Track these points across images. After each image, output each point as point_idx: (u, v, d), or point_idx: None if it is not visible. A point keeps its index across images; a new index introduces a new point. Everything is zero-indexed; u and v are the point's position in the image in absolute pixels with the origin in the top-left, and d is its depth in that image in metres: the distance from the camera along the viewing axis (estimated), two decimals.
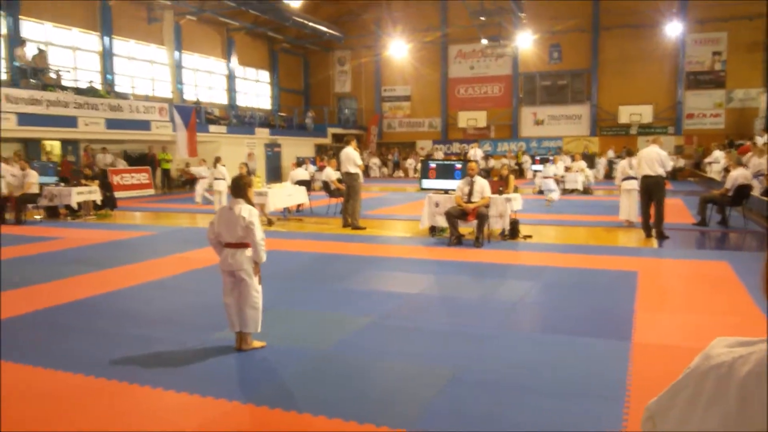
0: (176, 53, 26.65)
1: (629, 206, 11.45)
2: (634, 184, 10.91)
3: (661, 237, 9.91)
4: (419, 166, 11.59)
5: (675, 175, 26.01)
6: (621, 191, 11.62)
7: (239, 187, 4.70)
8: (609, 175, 28.00)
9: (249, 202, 4.69)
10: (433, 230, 10.70)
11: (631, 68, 30.35)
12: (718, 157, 20.38)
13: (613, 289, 6.57)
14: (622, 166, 11.62)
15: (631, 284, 6.73)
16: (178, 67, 26.80)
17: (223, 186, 14.67)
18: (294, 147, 29.54)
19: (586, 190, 19.65)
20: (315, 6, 30.70)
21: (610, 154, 29.31)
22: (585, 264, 8.02)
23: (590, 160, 22.53)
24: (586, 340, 4.81)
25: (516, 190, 11.05)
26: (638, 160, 10.41)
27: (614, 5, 30.18)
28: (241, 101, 31.92)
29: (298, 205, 14.71)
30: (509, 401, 3.66)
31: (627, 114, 30.55)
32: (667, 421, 1.01)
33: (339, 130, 33.80)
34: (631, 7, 29.43)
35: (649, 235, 10.16)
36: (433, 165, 11.00)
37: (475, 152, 26.85)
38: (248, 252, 4.61)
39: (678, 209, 14.01)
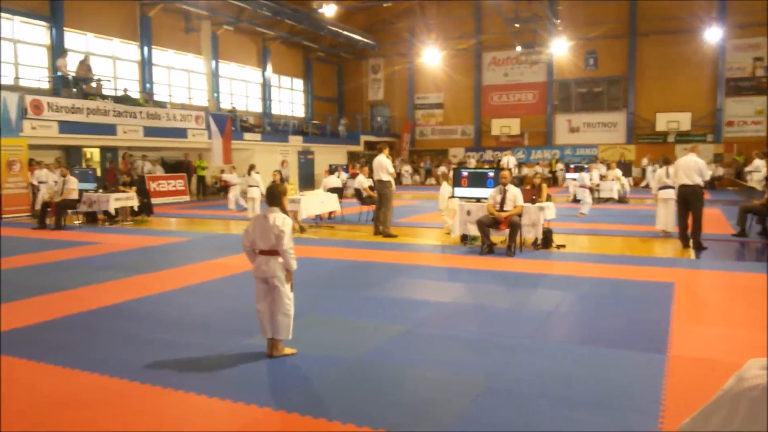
0: (213, 62, 27.13)
1: (666, 216, 11.22)
2: (671, 194, 10.70)
3: (699, 248, 9.69)
4: (451, 173, 11.51)
5: (714, 184, 25.44)
6: (658, 200, 11.41)
7: (274, 196, 4.75)
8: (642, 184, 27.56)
9: (284, 210, 4.72)
10: (465, 239, 10.64)
11: (669, 74, 29.83)
12: (759, 165, 19.87)
13: (648, 301, 6.44)
14: (659, 174, 11.41)
15: (668, 296, 6.59)
16: (214, 76, 27.27)
17: (256, 193, 14.86)
18: (327, 154, 29.75)
19: (622, 199, 19.34)
20: (349, 15, 30.99)
21: (644, 161, 28.80)
22: (620, 274, 7.88)
23: (626, 168, 22.14)
24: (621, 352, 4.72)
25: (549, 198, 10.93)
26: (675, 168, 10.22)
27: (651, 10, 29.74)
28: (276, 109, 32.31)
29: (330, 213, 14.79)
30: (542, 412, 3.61)
31: (664, 121, 30.00)
32: None
33: (372, 138, 33.94)
34: (668, 12, 28.97)
35: (686, 246, 9.94)
36: (465, 173, 10.96)
37: (509, 160, 26.56)
38: (281, 259, 4.65)
39: (717, 219, 13.69)
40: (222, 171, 20.51)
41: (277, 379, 4.29)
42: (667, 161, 11.36)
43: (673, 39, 29.59)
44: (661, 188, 11.20)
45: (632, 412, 3.61)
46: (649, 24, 30.03)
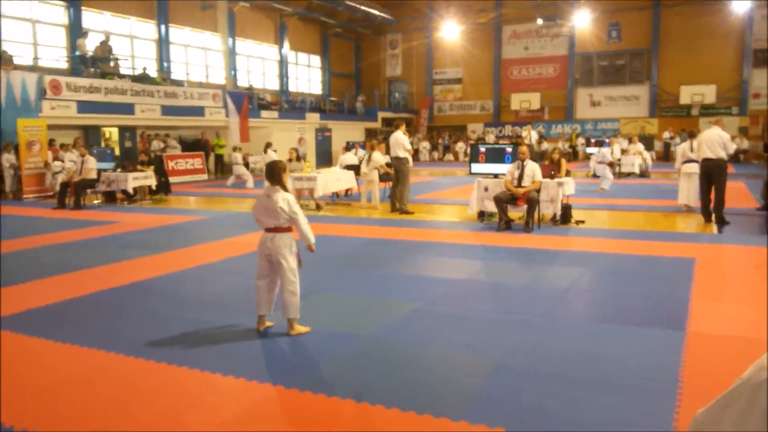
0: (230, 40, 27.03)
1: (689, 190, 11.01)
2: (695, 168, 10.48)
3: (722, 222, 9.51)
4: (469, 150, 11.44)
5: (739, 157, 24.90)
6: (680, 175, 11.19)
7: (274, 173, 4.67)
8: (665, 157, 27.14)
9: (284, 188, 4.67)
10: (482, 215, 10.55)
11: (693, 46, 29.11)
12: None
13: (668, 277, 6.33)
14: (682, 148, 11.18)
15: (688, 272, 6.47)
16: (231, 54, 27.19)
17: None
18: (344, 131, 29.63)
19: (643, 174, 19.04)
20: None
21: (666, 135, 28.29)
22: (640, 250, 7.75)
23: (648, 142, 21.75)
24: (639, 330, 4.64)
25: (568, 173, 10.77)
26: (699, 142, 10.00)
27: None
28: (293, 86, 32.19)
29: (347, 190, 14.75)
30: (557, 393, 3.56)
31: (689, 94, 29.36)
32: None
33: (389, 114, 33.70)
34: None
35: (708, 221, 9.77)
36: (482, 149, 10.82)
37: (530, 134, 25.82)
38: (287, 237, 4.62)
39: (740, 193, 13.42)
40: (235, 148, 20.55)
41: (290, 358, 4.29)
42: (692, 135, 11.11)
43: (698, 10, 28.81)
44: (684, 162, 10.98)
45: (650, 391, 3.55)
46: None
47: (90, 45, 19.96)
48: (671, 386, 3.59)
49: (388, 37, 36.77)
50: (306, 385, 3.71)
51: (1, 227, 10.46)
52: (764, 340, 4.33)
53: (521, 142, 21.05)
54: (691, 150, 10.78)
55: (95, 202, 14.77)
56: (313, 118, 28.41)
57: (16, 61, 17.54)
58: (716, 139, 9.57)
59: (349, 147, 16.49)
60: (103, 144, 20.18)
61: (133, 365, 4.13)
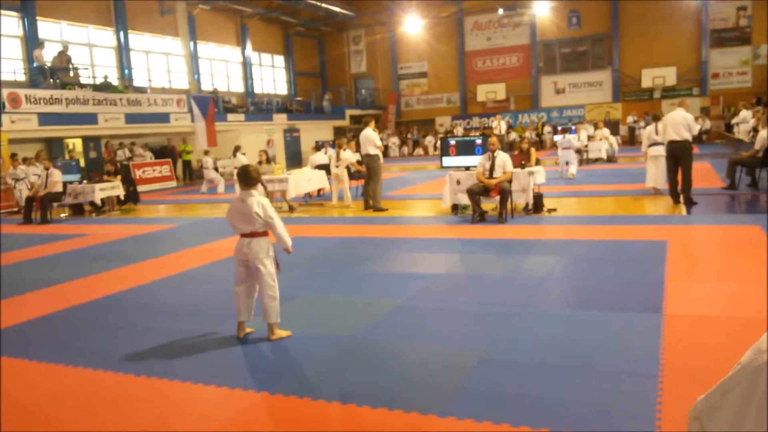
0: (191, 44, 26.69)
1: (656, 173, 11.20)
2: (661, 150, 10.66)
3: (690, 203, 9.69)
4: (439, 143, 11.47)
5: (702, 138, 25.41)
6: (647, 158, 11.37)
7: (249, 177, 4.62)
8: (630, 142, 27.54)
9: (264, 187, 4.64)
10: (456, 208, 10.59)
11: (652, 30, 29.60)
12: (746, 116, 19.85)
13: (642, 260, 6.43)
14: (647, 131, 11.36)
15: (661, 254, 6.58)
16: (193, 58, 26.85)
17: None
18: (313, 131, 29.48)
19: (611, 159, 19.32)
20: None
21: (630, 119, 28.72)
22: (612, 235, 7.87)
23: (613, 127, 22.05)
24: (616, 314, 4.71)
25: (538, 162, 10.87)
26: (663, 124, 10.17)
27: None
28: (258, 88, 31.92)
29: (319, 190, 14.69)
30: (541, 380, 3.59)
31: (650, 77, 29.88)
32: (717, 422, 0.92)
33: (357, 112, 33.64)
34: None
35: (677, 202, 9.94)
36: (452, 142, 10.87)
37: (500, 124, 25.73)
38: (263, 241, 4.58)
39: (706, 173, 13.69)
40: (206, 152, 20.33)
41: (272, 363, 4.26)
42: (657, 117, 11.29)
43: None
44: (650, 145, 11.15)
45: (631, 374, 3.60)
46: None
47: (48, 55, 19.51)
48: (652, 368, 3.64)
49: (350, 33, 36.67)
50: (290, 390, 3.68)
51: None
52: (743, 318, 4.43)
53: (490, 132, 21.17)
54: (657, 133, 10.96)
55: (62, 215, 14.47)
56: (281, 119, 28.21)
57: None
58: (680, 121, 9.73)
59: (318, 146, 16.41)
60: (67, 156, 19.75)
61: (112, 380, 4.05)
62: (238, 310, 4.73)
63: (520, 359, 3.94)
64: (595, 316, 4.71)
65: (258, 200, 4.53)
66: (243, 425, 3.33)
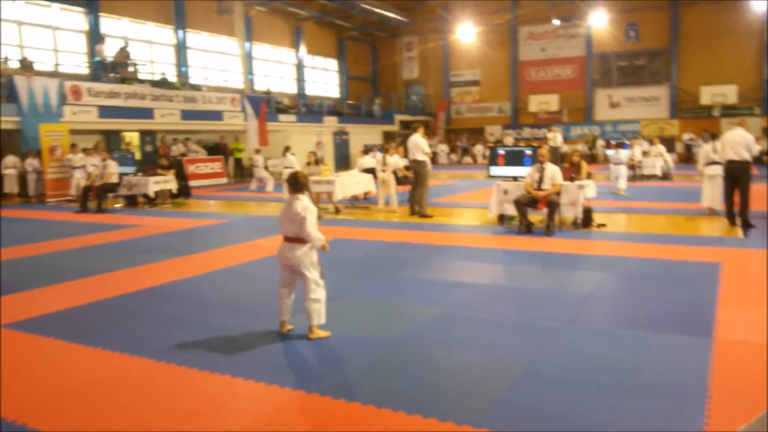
0: (247, 44, 27.17)
1: (712, 193, 10.83)
2: (718, 170, 10.32)
3: (747, 226, 9.33)
4: (488, 152, 11.37)
5: (761, 159, 24.48)
6: (703, 177, 11.02)
7: (297, 183, 4.71)
8: (686, 159, 26.80)
9: (309, 195, 4.71)
10: (502, 218, 10.47)
11: (713, 45, 28.70)
12: None
13: (693, 282, 6.22)
14: (705, 150, 11.01)
15: (714, 276, 6.35)
16: (248, 58, 27.33)
17: None
18: (362, 135, 29.64)
19: (665, 176, 18.80)
20: None
21: (686, 136, 27.91)
22: (664, 254, 7.63)
23: (670, 143, 21.46)
24: (665, 336, 4.56)
25: (589, 176, 10.66)
26: (722, 143, 9.84)
27: None
28: (310, 90, 32.28)
29: (366, 193, 14.74)
30: (583, 399, 3.50)
31: (709, 95, 28.96)
32: None
33: (407, 117, 33.66)
34: None
35: (733, 224, 9.59)
36: (501, 151, 10.75)
37: (555, 137, 24.59)
38: (306, 247, 4.63)
39: (764, 196, 13.17)
40: (257, 151, 20.69)
41: (311, 362, 4.27)
42: (715, 136, 10.94)
43: (717, 7, 28.41)
44: (707, 164, 10.81)
45: (677, 398, 3.47)
46: None
47: (109, 50, 20.18)
48: (699, 393, 3.50)
49: (404, 39, 36.74)
50: (326, 390, 3.69)
51: (1, 232, 10.55)
52: None
53: (542, 143, 20.77)
54: (714, 152, 10.61)
55: (117, 206, 14.90)
56: (331, 122, 28.46)
57: (37, 67, 17.76)
58: (740, 141, 9.41)
59: (366, 150, 16.48)
60: (123, 148, 20.37)
61: (152, 368, 4.14)
62: (280, 311, 4.82)
63: (562, 375, 3.85)
64: (642, 337, 4.57)
65: (304, 203, 4.58)
66: (278, 423, 3.34)
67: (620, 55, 31.27)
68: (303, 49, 31.28)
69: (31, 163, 16.62)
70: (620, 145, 16.72)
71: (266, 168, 19.41)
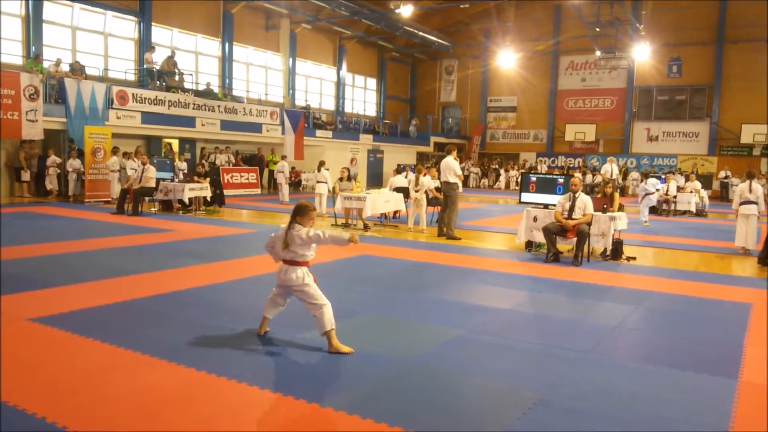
0: (290, 60, 27.68)
1: (746, 232, 10.63)
2: (753, 209, 10.14)
3: None
4: (520, 178, 11.35)
5: None
6: (738, 216, 10.83)
7: (300, 213, 4.90)
8: (721, 197, 26.33)
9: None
10: (530, 245, 10.42)
11: (756, 84, 28.29)
12: None
13: (722, 321, 6.11)
14: (741, 188, 10.83)
15: (743, 317, 6.23)
16: (290, 73, 27.83)
17: (324, 189, 15.12)
18: (396, 154, 29.82)
19: (700, 213, 18.47)
20: (425, 16, 30.96)
21: (722, 174, 27.41)
22: (693, 292, 7.51)
23: (706, 180, 21.09)
24: (687, 374, 4.48)
25: (622, 208, 10.56)
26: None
27: (742, 17, 28.34)
28: (348, 107, 32.65)
29: (396, 212, 14.80)
30: (598, 430, 3.46)
31: (750, 133, 28.50)
32: None
33: (442, 139, 33.78)
34: (759, 19, 27.45)
35: (766, 265, 9.39)
36: (533, 178, 10.73)
37: (612, 167, 22.96)
38: (300, 270, 4.79)
39: None
40: (293, 168, 21.06)
41: (327, 376, 4.30)
42: (751, 175, 10.76)
43: (761, 47, 28.02)
44: (742, 203, 10.63)
45: None
46: (739, 31, 28.58)
47: (157, 59, 20.76)
48: None
49: (444, 62, 36.99)
50: (340, 405, 3.70)
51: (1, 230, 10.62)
52: None
53: (599, 174, 20.30)
54: (750, 191, 10.44)
55: (152, 209, 15.24)
56: (367, 139, 28.71)
57: (87, 71, 18.36)
58: None
59: (399, 169, 16.58)
60: (164, 154, 20.84)
61: (172, 371, 4.20)
62: (266, 307, 5.08)
63: (577, 406, 3.81)
64: (664, 373, 4.50)
65: (305, 229, 4.79)
66: None
67: (662, 89, 30.99)
68: (344, 67, 31.71)
69: (72, 163, 17.11)
70: (645, 175, 16.46)
71: (299, 181, 19.62)
